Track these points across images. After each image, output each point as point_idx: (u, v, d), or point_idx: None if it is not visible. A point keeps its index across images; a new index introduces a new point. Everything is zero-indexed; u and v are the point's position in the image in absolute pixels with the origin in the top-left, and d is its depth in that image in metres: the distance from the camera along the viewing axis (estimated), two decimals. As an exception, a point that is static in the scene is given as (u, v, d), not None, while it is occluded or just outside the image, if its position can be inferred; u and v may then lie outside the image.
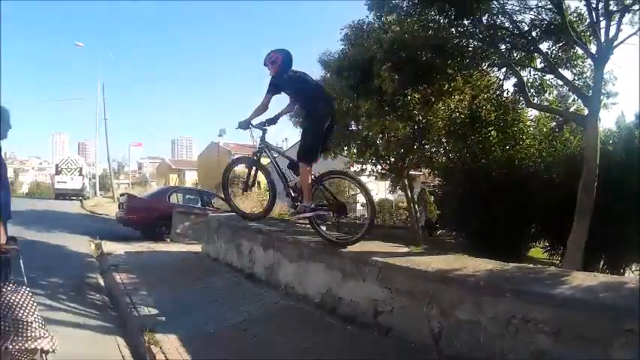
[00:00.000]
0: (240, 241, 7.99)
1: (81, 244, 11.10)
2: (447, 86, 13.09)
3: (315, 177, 5.83)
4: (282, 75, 5.84)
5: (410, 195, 18.58)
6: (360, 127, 16.05)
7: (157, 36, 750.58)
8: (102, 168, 56.98)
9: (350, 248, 5.68)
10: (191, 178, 68.20)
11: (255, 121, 6.34)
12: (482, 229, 12.87)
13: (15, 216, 13.32)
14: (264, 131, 6.45)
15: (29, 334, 4.04)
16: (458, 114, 14.49)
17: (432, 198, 24.43)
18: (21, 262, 4.71)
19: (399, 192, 25.66)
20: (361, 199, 37.45)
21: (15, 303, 4.14)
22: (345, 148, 17.85)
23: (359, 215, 37.49)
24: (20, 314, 4.08)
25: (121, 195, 18.30)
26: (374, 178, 21.77)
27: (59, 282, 7.41)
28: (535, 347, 3.53)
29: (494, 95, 14.10)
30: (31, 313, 4.15)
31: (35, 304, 4.31)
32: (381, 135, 16.03)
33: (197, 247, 11.02)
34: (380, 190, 38.88)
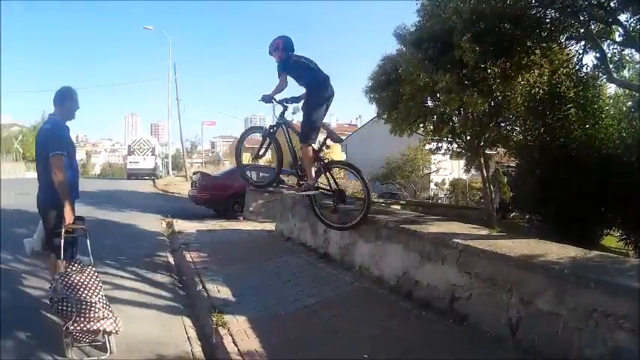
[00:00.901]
0: (315, 220, 7.91)
1: (152, 223, 11.37)
2: (525, 60, 12.60)
3: (323, 163, 6.61)
4: (288, 60, 6.43)
5: (486, 175, 17.94)
6: (437, 103, 15.64)
7: (229, 16, 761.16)
8: (175, 148, 58.67)
9: (430, 229, 5.53)
10: (264, 157, 68.97)
11: (278, 97, 6.74)
12: (559, 212, 12.32)
13: (86, 196, 13.87)
14: (285, 108, 6.92)
15: (92, 315, 4.09)
16: (537, 89, 13.90)
17: (506, 179, 23.67)
18: (87, 241, 4.79)
19: (473, 172, 25.09)
20: (435, 178, 37.42)
21: (79, 283, 4.21)
22: (421, 125, 17.38)
23: (432, 195, 37.23)
24: (84, 295, 4.15)
25: (194, 173, 18.67)
26: (449, 156, 21.34)
27: (128, 261, 7.58)
28: (614, 343, 3.32)
29: (574, 70, 13.46)
30: (95, 294, 4.22)
31: (100, 284, 4.38)
32: (458, 111, 15.58)
33: (270, 226, 11.09)
34: (454, 169, 38.32)
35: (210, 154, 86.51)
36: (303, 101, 6.51)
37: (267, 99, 6.65)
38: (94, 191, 20.21)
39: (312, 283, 6.30)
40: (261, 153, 7.41)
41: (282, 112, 6.96)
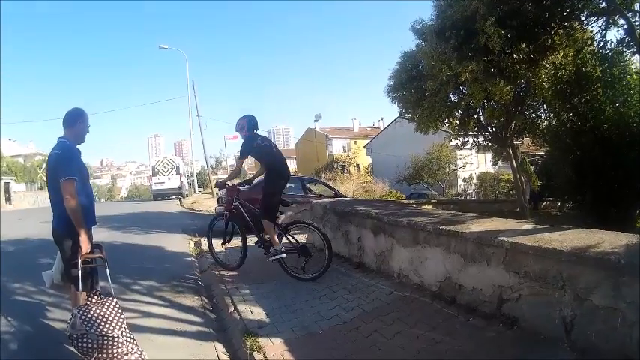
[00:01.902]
0: (348, 228, 7.70)
1: (179, 243, 11.15)
2: (549, 41, 12.40)
3: (282, 227, 7.36)
4: (252, 142, 7.21)
5: (515, 165, 17.49)
6: (461, 96, 15.29)
7: (244, 30, 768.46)
8: (200, 165, 58.94)
9: (471, 228, 5.27)
10: (290, 167, 69.26)
11: (232, 183, 8.00)
12: (595, 198, 11.89)
13: (113, 220, 14.05)
14: (239, 189, 7.96)
15: (115, 351, 3.86)
16: (563, 71, 13.51)
17: (532, 168, 23.22)
18: (107, 270, 4.57)
19: (500, 164, 24.77)
20: (462, 174, 37.23)
21: (100, 317, 3.97)
22: (446, 121, 16.99)
23: (460, 191, 36.97)
24: (105, 329, 3.91)
25: (219, 189, 18.47)
26: (475, 150, 21.01)
27: (155, 285, 7.35)
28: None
29: (598, 48, 13.15)
30: (117, 327, 3.98)
31: (123, 316, 4.13)
32: (483, 103, 15.17)
33: (301, 238, 10.77)
34: (480, 163, 38.02)
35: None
36: (264, 183, 7.35)
37: (221, 185, 8.29)
38: (120, 215, 20.21)
39: (349, 296, 6.03)
40: (227, 238, 8.15)
41: (237, 195, 7.94)
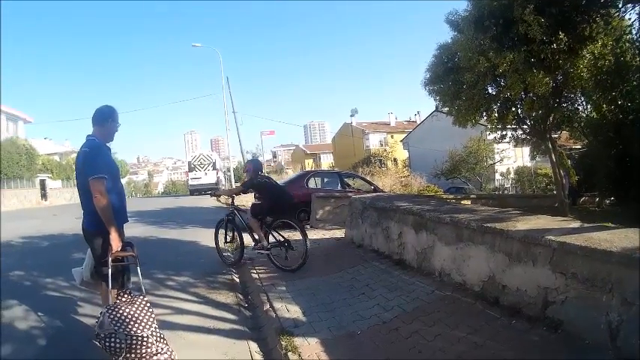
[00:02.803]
0: (388, 224, 7.52)
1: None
2: (588, 30, 11.89)
3: (267, 225, 8.23)
4: (254, 180, 8.32)
5: (555, 159, 16.97)
6: (499, 88, 14.86)
7: (279, 27, 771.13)
8: (237, 160, 59.17)
9: (517, 226, 5.05)
10: (326, 161, 69.55)
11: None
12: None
13: (149, 215, 14.36)
14: (233, 198, 9.10)
15: (144, 351, 3.74)
16: (603, 61, 13.02)
17: (569, 162, 22.63)
18: (138, 269, 4.47)
19: (537, 158, 24.31)
20: (499, 168, 36.67)
21: (129, 316, 3.85)
22: (484, 114, 16.57)
23: (497, 185, 36.45)
24: (134, 329, 3.79)
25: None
26: (512, 144, 20.62)
27: (190, 281, 7.27)
28: None
29: (638, 36, 12.86)
30: (147, 327, 3.86)
31: (153, 316, 4.01)
32: (522, 95, 14.73)
33: (339, 233, 10.73)
34: (517, 157, 37.43)
35: (272, 164, 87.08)
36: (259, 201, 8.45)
37: (215, 195, 9.73)
38: (156, 210, 20.36)
39: (388, 295, 5.84)
40: (228, 239, 9.01)
41: (232, 202, 9.08)
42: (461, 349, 4.09)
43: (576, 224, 5.14)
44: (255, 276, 7.40)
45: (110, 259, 4.24)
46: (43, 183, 39.67)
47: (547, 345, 4.00)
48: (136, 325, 3.81)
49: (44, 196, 38.42)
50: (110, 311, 3.86)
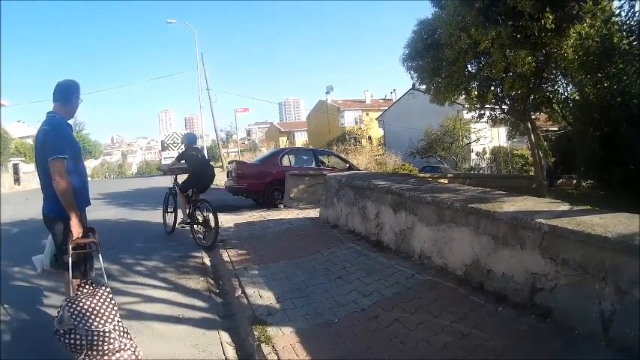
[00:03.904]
0: (365, 203, 7.33)
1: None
2: (576, 9, 11.54)
3: (193, 203, 8.97)
4: (189, 152, 9.24)
5: (534, 140, 16.91)
6: (480, 66, 14.64)
7: (256, 4, 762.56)
8: (211, 139, 58.83)
9: (504, 207, 4.83)
10: (301, 139, 69.26)
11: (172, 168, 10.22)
12: (626, 177, 11.37)
13: (121, 196, 14.57)
14: (177, 175, 9.75)
15: (106, 347, 3.43)
16: (590, 42, 12.88)
17: (546, 144, 22.78)
18: (100, 257, 4.12)
19: (514, 139, 24.49)
20: (475, 148, 36.89)
21: (90, 309, 3.52)
22: (463, 93, 16.35)
23: (473, 165, 36.66)
24: (95, 323, 3.46)
25: (229, 162, 18.00)
26: (489, 124, 20.74)
27: (159, 266, 7.00)
28: None
29: (626, 18, 12.73)
30: (109, 321, 3.55)
31: (115, 308, 3.70)
32: (503, 74, 14.53)
33: (314, 212, 10.51)
34: (494, 137, 37.60)
35: (246, 142, 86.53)
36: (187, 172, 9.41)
37: (166, 170, 10.83)
38: (128, 191, 20.00)
39: (366, 279, 5.60)
40: (170, 210, 9.79)
41: (175, 178, 9.68)
42: (446, 339, 3.85)
43: (565, 207, 4.89)
44: (227, 259, 7.11)
45: (70, 246, 3.90)
46: (16, 167, 38.69)
47: (536, 334, 3.79)
48: (97, 319, 3.50)
49: (17, 180, 37.48)
50: (70, 305, 3.53)
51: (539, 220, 4.15)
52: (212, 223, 8.30)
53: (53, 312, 4.91)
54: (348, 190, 8.17)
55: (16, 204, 16.83)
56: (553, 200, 5.48)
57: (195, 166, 9.16)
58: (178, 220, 9.44)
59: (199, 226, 8.73)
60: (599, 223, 3.89)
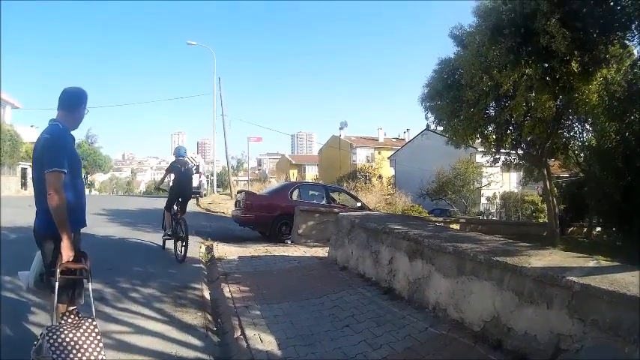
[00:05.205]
0: (379, 248, 7.05)
1: (190, 247, 10.42)
2: (604, 52, 11.48)
3: (175, 216, 9.83)
4: (175, 164, 10.09)
5: (549, 186, 16.60)
6: (502, 108, 14.40)
7: (275, 33, 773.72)
8: (221, 165, 58.77)
9: (532, 262, 4.50)
10: (311, 173, 69.20)
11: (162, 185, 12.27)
12: None
13: (125, 215, 14.33)
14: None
15: (89, 385, 3.06)
16: (617, 86, 12.63)
17: (555, 190, 22.55)
18: (90, 286, 3.76)
19: (524, 185, 24.36)
20: (486, 192, 36.70)
21: (72, 343, 3.17)
22: (478, 137, 16.06)
23: (482, 210, 36.35)
24: (78, 357, 3.11)
25: (238, 192, 17.74)
26: (504, 169, 20.80)
27: (156, 294, 6.66)
28: None
29: None
30: (93, 356, 3.18)
31: (101, 344, 3.34)
32: (523, 117, 14.27)
33: (322, 251, 10.20)
34: (505, 182, 37.39)
35: (256, 172, 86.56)
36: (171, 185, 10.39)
37: (157, 187, 12.59)
38: (134, 210, 19.68)
39: (376, 329, 5.23)
40: (181, 235, 9.64)
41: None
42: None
43: (592, 263, 4.62)
44: (228, 294, 6.75)
45: (59, 270, 3.55)
46: (24, 172, 38.97)
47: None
48: (79, 356, 3.15)
49: (24, 185, 37.90)
50: (50, 335, 3.20)
51: (570, 278, 3.87)
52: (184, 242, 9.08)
53: (38, 331, 4.57)
54: (361, 231, 7.85)
55: (19, 208, 16.56)
56: (581, 255, 5.14)
57: (177, 179, 10.04)
58: (162, 233, 10.26)
59: (180, 241, 9.27)
60: (632, 282, 3.66)
